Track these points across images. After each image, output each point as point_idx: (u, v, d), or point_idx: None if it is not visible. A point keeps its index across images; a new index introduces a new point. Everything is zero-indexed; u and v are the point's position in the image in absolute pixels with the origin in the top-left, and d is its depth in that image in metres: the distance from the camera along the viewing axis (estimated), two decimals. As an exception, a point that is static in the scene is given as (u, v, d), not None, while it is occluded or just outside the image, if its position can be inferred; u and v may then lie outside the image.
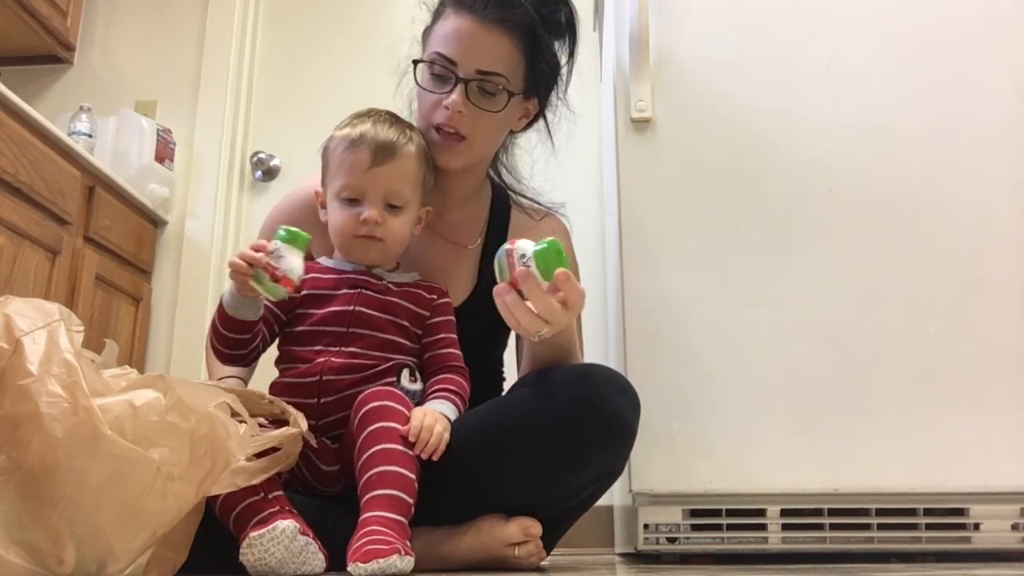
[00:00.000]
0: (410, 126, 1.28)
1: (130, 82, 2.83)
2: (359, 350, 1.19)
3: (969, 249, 1.50)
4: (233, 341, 1.17)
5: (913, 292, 1.49)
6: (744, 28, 1.61)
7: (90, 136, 2.55)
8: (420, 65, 1.31)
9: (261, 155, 2.80)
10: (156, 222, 2.68)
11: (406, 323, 1.23)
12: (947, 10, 1.59)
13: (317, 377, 1.16)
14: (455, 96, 1.25)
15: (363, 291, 1.22)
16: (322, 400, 1.16)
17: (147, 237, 2.62)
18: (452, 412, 1.16)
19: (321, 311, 1.20)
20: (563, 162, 2.49)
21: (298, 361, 1.19)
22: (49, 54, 2.79)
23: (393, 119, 1.26)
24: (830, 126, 1.56)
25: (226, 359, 1.21)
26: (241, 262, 1.09)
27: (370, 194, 1.21)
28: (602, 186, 2.53)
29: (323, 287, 1.22)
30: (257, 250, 1.10)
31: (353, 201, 1.21)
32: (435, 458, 1.08)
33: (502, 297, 1.09)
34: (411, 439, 1.06)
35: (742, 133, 1.57)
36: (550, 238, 1.09)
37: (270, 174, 2.81)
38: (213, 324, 1.17)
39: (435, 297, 1.27)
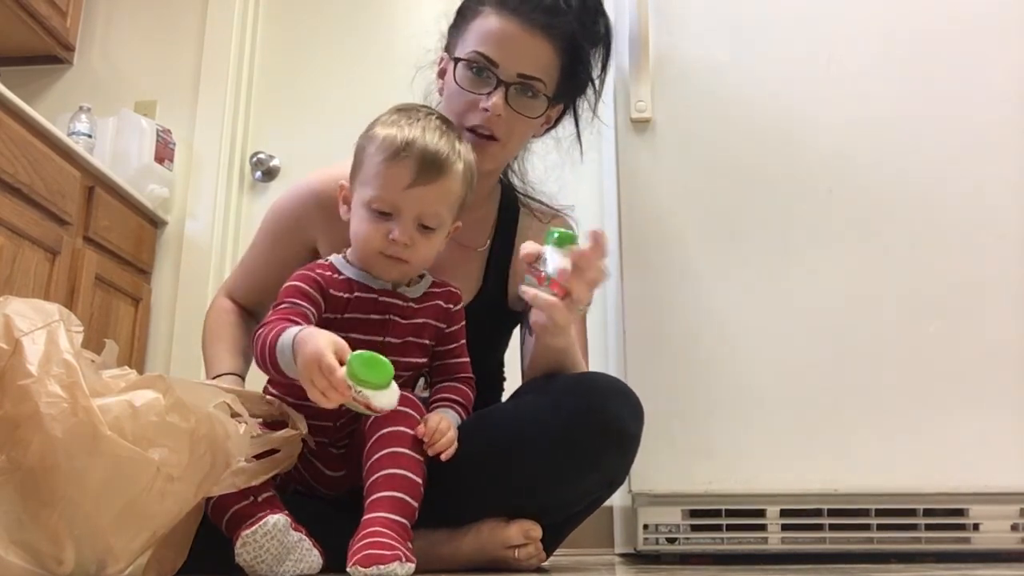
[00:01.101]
0: (459, 135, 1.18)
1: (130, 82, 2.83)
2: None
3: (969, 249, 1.51)
4: (283, 377, 1.05)
5: (913, 293, 1.49)
6: (744, 28, 1.61)
7: (90, 136, 2.54)
8: (459, 63, 1.26)
9: (261, 155, 2.80)
10: (156, 222, 2.68)
11: (428, 341, 1.19)
12: (947, 10, 1.59)
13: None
14: (496, 99, 1.21)
15: (392, 318, 1.15)
16: (338, 423, 1.14)
17: (147, 237, 2.62)
18: (456, 422, 1.15)
19: (347, 336, 1.04)
20: (563, 163, 2.50)
21: None
22: (49, 54, 2.78)
23: (444, 127, 1.15)
24: (830, 126, 1.56)
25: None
26: (329, 401, 0.96)
27: (404, 213, 1.09)
28: (602, 186, 2.52)
29: (351, 311, 1.13)
30: (335, 384, 0.94)
31: (384, 215, 1.10)
32: (443, 458, 1.07)
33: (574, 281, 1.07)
34: (426, 439, 1.05)
35: (742, 133, 1.57)
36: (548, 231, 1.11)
37: (270, 174, 2.80)
38: (263, 355, 1.04)
39: (452, 306, 1.21)
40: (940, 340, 1.47)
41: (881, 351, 1.47)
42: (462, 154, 1.14)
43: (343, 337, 1.01)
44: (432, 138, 1.10)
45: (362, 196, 1.12)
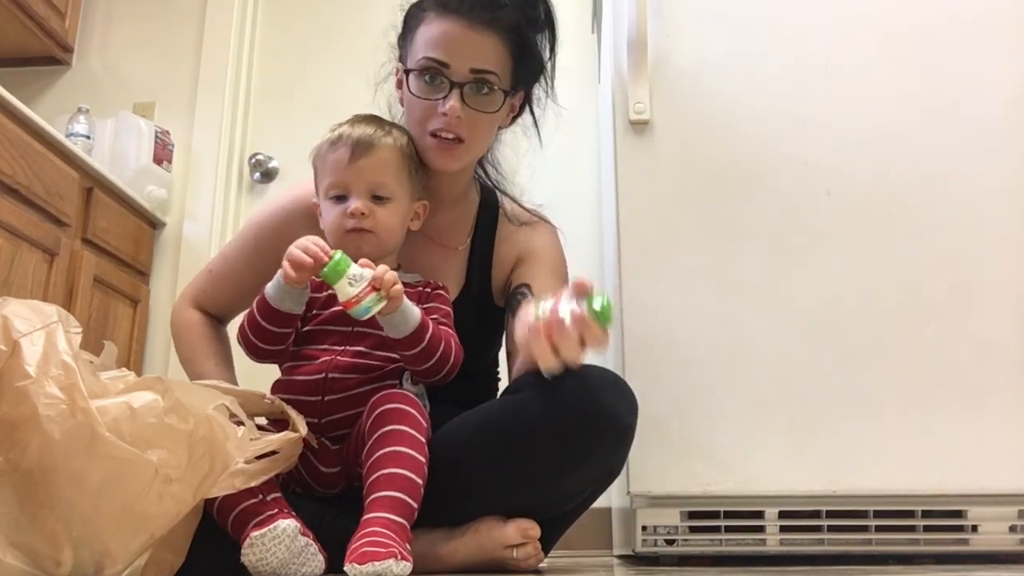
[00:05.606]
0: (393, 125, 1.29)
1: (128, 84, 2.83)
2: (365, 349, 1.19)
3: (967, 251, 1.51)
4: (275, 336, 1.17)
5: (911, 294, 1.49)
6: (742, 30, 1.61)
7: (88, 138, 2.54)
8: (410, 74, 1.29)
9: (259, 156, 2.80)
10: (154, 224, 2.68)
11: None
12: (946, 10, 1.59)
13: (323, 375, 1.17)
14: (452, 102, 1.25)
15: None
16: (326, 398, 1.16)
17: (145, 239, 2.62)
18: (415, 309, 1.16)
19: (326, 311, 1.22)
20: (561, 164, 2.51)
21: (304, 359, 1.20)
22: (47, 55, 2.78)
23: (372, 118, 1.29)
24: (828, 128, 1.56)
25: (263, 355, 1.20)
26: (307, 257, 1.10)
27: (354, 187, 1.22)
28: (600, 188, 2.53)
29: (326, 287, 1.21)
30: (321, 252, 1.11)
31: (340, 198, 1.23)
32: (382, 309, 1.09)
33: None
34: (376, 284, 1.09)
35: (740, 135, 1.57)
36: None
37: (268, 176, 2.81)
38: (251, 321, 1.17)
39: (430, 290, 1.28)
40: (939, 341, 1.47)
41: (880, 352, 1.47)
42: (392, 132, 1.27)
43: (322, 310, 1.22)
44: (360, 125, 1.26)
45: (322, 191, 1.26)
